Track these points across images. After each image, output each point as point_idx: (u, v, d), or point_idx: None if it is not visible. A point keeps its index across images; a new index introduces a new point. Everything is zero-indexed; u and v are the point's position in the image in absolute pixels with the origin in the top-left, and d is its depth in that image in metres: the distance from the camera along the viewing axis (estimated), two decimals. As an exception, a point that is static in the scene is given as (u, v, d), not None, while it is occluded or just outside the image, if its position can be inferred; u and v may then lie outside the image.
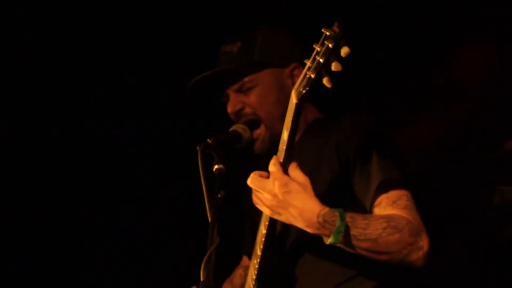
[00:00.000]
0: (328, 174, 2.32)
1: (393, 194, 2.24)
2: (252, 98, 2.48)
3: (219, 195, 2.17)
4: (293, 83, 2.31)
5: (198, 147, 2.26)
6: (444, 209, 3.84)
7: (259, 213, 2.35)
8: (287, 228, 2.35)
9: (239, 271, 2.81)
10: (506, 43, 3.81)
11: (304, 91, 2.01)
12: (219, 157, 2.25)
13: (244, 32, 2.54)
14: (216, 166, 2.24)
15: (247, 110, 2.49)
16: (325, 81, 1.94)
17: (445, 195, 3.87)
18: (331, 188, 2.30)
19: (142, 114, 4.03)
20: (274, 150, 2.24)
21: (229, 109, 2.51)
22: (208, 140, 2.28)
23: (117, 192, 4.08)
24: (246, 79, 2.48)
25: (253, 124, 2.48)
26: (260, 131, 2.47)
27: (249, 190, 2.29)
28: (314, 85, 1.98)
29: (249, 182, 2.19)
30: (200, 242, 2.12)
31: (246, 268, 2.73)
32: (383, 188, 2.25)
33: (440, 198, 3.82)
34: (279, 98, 2.45)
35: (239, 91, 2.50)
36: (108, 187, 4.07)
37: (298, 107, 2.06)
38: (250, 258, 2.59)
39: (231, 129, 2.47)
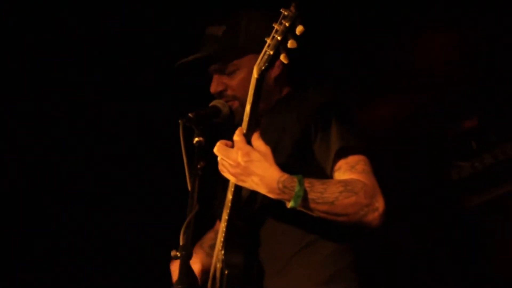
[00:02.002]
0: (292, 143, 2.39)
1: (351, 159, 2.33)
2: (234, 81, 2.52)
3: (198, 166, 2.22)
4: (272, 68, 2.41)
5: (179, 121, 2.31)
6: (407, 185, 3.97)
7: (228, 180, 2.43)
8: (253, 194, 2.41)
9: (210, 234, 2.86)
10: (465, 29, 3.90)
11: (263, 67, 2.10)
12: (199, 130, 2.31)
13: (229, 15, 2.57)
14: (196, 139, 2.29)
15: (229, 92, 2.54)
16: (282, 57, 2.05)
17: (407, 172, 4.00)
18: (294, 156, 2.37)
19: (127, 92, 4.02)
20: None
21: (212, 89, 2.56)
22: (189, 114, 2.33)
23: (104, 157, 4.09)
24: (229, 62, 2.53)
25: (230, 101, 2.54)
26: (234, 104, 2.53)
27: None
28: (272, 61, 2.08)
29: (215, 150, 2.26)
30: (181, 209, 2.17)
31: (217, 232, 2.79)
32: (342, 154, 2.33)
33: (403, 174, 3.95)
34: None
35: (221, 72, 2.55)
36: (95, 153, 4.07)
37: (258, 81, 2.15)
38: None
39: (211, 104, 2.52)
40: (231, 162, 2.23)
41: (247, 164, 2.21)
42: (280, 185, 2.20)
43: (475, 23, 3.87)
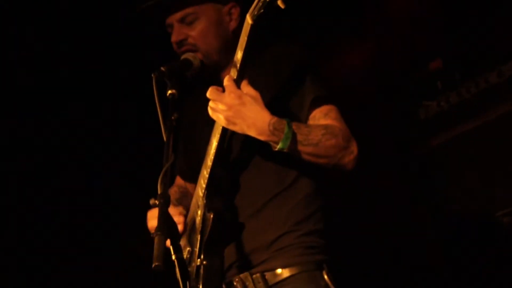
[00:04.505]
0: (268, 98, 2.38)
1: (324, 108, 2.41)
2: (195, 31, 2.50)
3: (172, 117, 2.19)
4: (230, 20, 2.46)
5: (152, 75, 2.28)
6: (375, 123, 4.01)
7: (199, 131, 2.50)
8: (234, 142, 2.45)
9: (173, 189, 2.85)
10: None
11: (258, 13, 2.08)
12: (172, 83, 2.28)
13: None
14: (169, 91, 2.26)
15: (190, 41, 2.51)
16: (279, 2, 2.01)
17: (375, 111, 4.04)
18: (273, 104, 2.36)
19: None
20: (216, 80, 2.33)
21: (173, 38, 2.53)
22: (162, 68, 2.31)
23: (85, 118, 4.05)
24: (190, 10, 2.49)
25: (193, 51, 2.52)
26: (198, 56, 2.50)
27: (186, 113, 2.46)
28: (268, 6, 2.05)
29: (208, 94, 2.26)
30: (157, 159, 2.14)
31: (180, 187, 2.85)
32: (315, 103, 2.40)
33: (372, 114, 3.99)
34: (219, 32, 2.50)
35: (182, 21, 2.52)
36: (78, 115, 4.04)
37: (253, 28, 2.12)
38: (183, 177, 2.81)
39: (182, 57, 2.50)
40: (223, 106, 2.24)
41: (239, 107, 2.23)
42: (271, 127, 2.23)
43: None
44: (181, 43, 2.53)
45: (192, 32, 2.51)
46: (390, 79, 4.08)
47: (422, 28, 3.96)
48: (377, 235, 4.02)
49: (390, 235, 4.02)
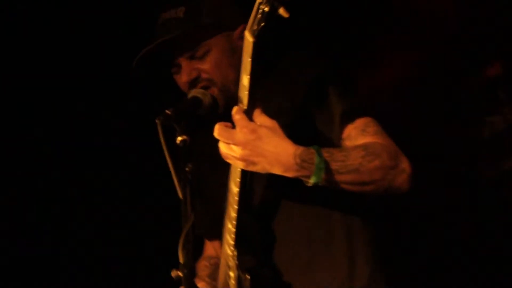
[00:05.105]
0: (287, 125, 2.08)
1: (359, 122, 2.14)
2: (207, 64, 2.28)
3: (186, 169, 1.94)
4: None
5: (157, 120, 1.99)
6: (433, 148, 3.70)
7: (213, 175, 2.31)
8: (255, 182, 2.22)
9: (202, 263, 2.62)
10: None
11: (259, 27, 1.81)
12: (181, 127, 2.00)
13: None
14: (179, 138, 1.98)
15: (204, 76, 2.28)
16: (281, 11, 1.76)
17: (433, 132, 3.73)
18: (294, 132, 2.08)
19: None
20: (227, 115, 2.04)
21: (185, 78, 2.28)
22: (167, 111, 2.01)
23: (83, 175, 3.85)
24: (199, 44, 2.27)
25: (207, 88, 2.29)
26: (213, 92, 2.27)
27: (196, 162, 2.10)
28: (269, 18, 1.79)
29: (215, 134, 1.97)
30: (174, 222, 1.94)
31: (210, 258, 2.60)
32: (347, 118, 2.15)
33: (429, 137, 3.68)
34: (233, 61, 2.25)
35: (192, 58, 2.28)
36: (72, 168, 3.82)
37: (255, 45, 1.84)
38: (207, 237, 2.60)
39: (189, 95, 2.23)
40: (237, 144, 1.95)
41: (255, 142, 1.94)
42: (298, 160, 1.95)
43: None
44: (194, 81, 2.28)
45: (204, 65, 2.30)
46: (439, 94, 3.76)
47: (472, 28, 3.65)
48: (447, 265, 3.73)
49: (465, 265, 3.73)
